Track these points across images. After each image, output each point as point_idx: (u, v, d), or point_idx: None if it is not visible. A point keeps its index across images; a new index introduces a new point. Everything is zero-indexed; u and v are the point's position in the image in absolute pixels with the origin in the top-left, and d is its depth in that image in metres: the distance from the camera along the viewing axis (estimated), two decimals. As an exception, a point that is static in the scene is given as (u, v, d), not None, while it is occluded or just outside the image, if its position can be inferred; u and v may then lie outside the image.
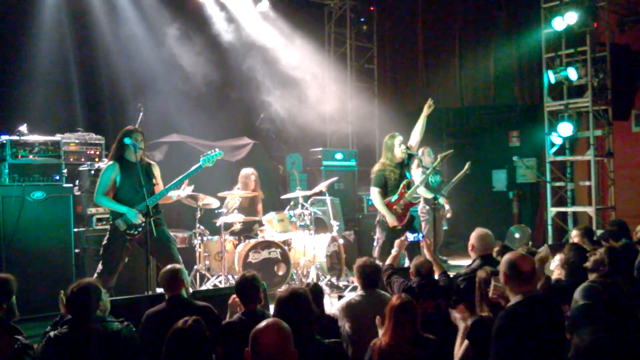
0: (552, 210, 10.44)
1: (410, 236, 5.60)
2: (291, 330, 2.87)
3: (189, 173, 6.07)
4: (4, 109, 7.91)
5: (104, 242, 5.99)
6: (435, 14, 12.27)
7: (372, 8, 12.71)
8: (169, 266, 4.40)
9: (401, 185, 6.73)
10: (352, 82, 12.55)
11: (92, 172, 7.23)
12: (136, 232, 5.83)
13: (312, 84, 11.10)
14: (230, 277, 7.70)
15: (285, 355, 2.63)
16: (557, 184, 10.60)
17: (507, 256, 3.57)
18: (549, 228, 10.42)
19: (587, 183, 10.27)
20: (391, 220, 6.64)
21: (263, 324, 2.70)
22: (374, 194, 6.81)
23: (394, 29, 12.83)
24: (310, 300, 3.36)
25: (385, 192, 6.77)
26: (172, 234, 6.37)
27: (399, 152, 6.79)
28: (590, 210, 9.96)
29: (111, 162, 5.97)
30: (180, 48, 9.51)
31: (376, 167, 6.94)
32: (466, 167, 8.82)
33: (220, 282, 7.72)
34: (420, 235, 5.59)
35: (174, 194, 6.15)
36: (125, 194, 5.89)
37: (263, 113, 10.47)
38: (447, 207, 8.91)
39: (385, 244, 6.63)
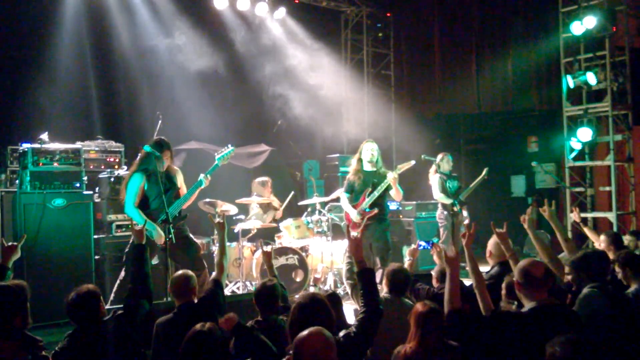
0: (572, 216, 10.33)
1: (422, 243, 5.59)
2: None
3: (206, 173, 6.14)
4: (26, 118, 8.03)
5: (128, 249, 6.03)
6: (452, 20, 12.25)
7: (388, 14, 12.73)
8: (179, 272, 4.38)
9: (363, 193, 6.77)
10: (369, 89, 12.56)
11: (112, 179, 7.31)
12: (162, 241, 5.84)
13: (329, 91, 11.13)
14: (248, 283, 7.72)
15: None
16: (577, 189, 10.49)
17: (519, 264, 3.60)
18: (569, 234, 10.31)
19: (607, 188, 10.15)
20: (354, 216, 6.69)
21: (307, 332, 2.69)
22: (342, 198, 6.99)
23: (411, 35, 12.83)
24: (329, 306, 3.35)
25: (352, 198, 6.87)
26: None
27: (367, 158, 6.84)
28: (611, 215, 9.84)
29: (137, 172, 6.01)
30: (197, 56, 9.59)
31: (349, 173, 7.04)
32: (484, 173, 8.76)
33: (238, 288, 7.74)
34: (430, 243, 5.53)
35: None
36: (150, 203, 5.99)
37: (280, 120, 10.52)
38: (465, 213, 8.85)
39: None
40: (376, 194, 6.63)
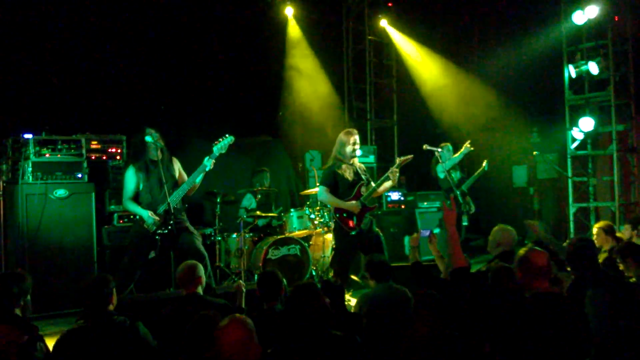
0: (574, 206, 10.33)
1: (425, 233, 5.55)
2: (302, 324, 2.95)
3: (210, 157, 5.87)
4: (28, 108, 8.00)
5: (133, 238, 6.00)
6: (454, 8, 12.21)
7: (390, 4, 12.66)
8: (184, 263, 4.40)
9: (357, 187, 6.14)
10: (371, 78, 12.50)
11: (114, 169, 7.33)
12: (166, 231, 5.76)
13: (330, 80, 11.11)
14: (249, 273, 7.73)
15: (249, 350, 2.64)
16: (579, 179, 10.47)
17: (521, 252, 3.55)
18: (571, 224, 10.32)
19: (610, 178, 10.15)
20: (354, 206, 6.02)
21: (225, 322, 2.70)
22: (322, 192, 6.20)
23: (413, 24, 12.77)
24: (320, 294, 3.34)
25: (335, 193, 6.16)
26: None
27: (350, 151, 6.18)
28: (613, 205, 9.85)
29: (130, 165, 5.96)
30: (198, 46, 9.55)
31: (327, 164, 6.39)
32: (483, 165, 8.72)
33: (240, 278, 7.74)
34: (428, 232, 5.51)
35: None
36: (148, 194, 5.86)
37: (281, 110, 10.50)
38: (471, 205, 8.79)
39: (338, 252, 6.23)
40: (375, 187, 6.16)
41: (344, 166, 6.18)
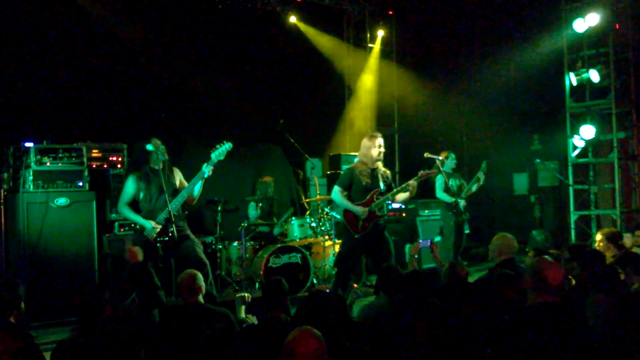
0: (575, 214, 10.31)
1: (425, 243, 5.55)
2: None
3: (208, 164, 5.81)
4: (29, 117, 8.02)
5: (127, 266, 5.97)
6: (455, 17, 12.24)
7: (390, 12, 12.69)
8: (185, 272, 4.39)
9: (371, 193, 6.15)
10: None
11: (114, 178, 7.34)
12: (167, 238, 5.73)
13: (331, 89, 11.13)
14: (250, 282, 7.73)
15: None
16: (580, 187, 10.46)
17: (538, 263, 3.43)
18: (572, 232, 10.30)
19: (611, 186, 10.13)
20: (362, 211, 6.04)
21: (298, 333, 2.63)
22: (336, 192, 6.25)
23: (413, 33, 12.81)
24: (333, 303, 3.33)
25: (348, 195, 6.22)
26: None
27: (376, 154, 6.23)
28: (614, 213, 9.83)
29: (132, 173, 5.95)
30: (201, 56, 9.57)
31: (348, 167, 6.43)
32: (482, 166, 8.66)
33: (241, 287, 7.74)
34: (429, 241, 5.50)
35: None
36: (149, 203, 5.84)
37: (283, 118, 10.51)
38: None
39: (343, 252, 6.24)
40: (390, 197, 6.15)
41: (363, 169, 6.21)
